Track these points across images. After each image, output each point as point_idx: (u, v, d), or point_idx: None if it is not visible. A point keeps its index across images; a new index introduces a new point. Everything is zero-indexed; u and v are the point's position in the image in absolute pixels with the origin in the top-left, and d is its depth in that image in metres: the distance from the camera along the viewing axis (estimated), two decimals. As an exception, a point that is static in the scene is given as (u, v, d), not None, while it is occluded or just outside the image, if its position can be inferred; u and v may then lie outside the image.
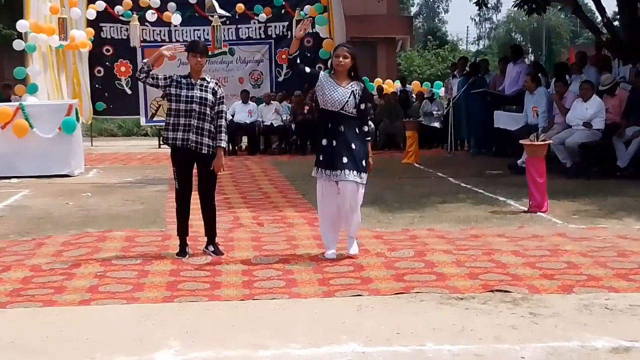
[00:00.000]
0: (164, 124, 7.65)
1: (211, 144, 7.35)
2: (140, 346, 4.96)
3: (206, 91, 7.34)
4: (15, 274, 6.79)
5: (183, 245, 7.49)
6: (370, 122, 7.79)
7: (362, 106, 7.19)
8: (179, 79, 7.36)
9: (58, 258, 7.35)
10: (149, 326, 5.39)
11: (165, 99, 7.50)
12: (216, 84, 7.49)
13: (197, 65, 7.38)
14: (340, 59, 7.11)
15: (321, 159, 7.16)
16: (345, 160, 7.02)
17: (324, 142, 7.13)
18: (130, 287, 6.34)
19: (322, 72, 7.32)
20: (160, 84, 7.34)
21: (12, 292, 6.24)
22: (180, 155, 7.37)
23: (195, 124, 7.26)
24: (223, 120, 7.45)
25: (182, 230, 7.54)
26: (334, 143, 7.06)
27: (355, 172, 7.05)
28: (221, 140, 7.41)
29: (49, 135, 13.95)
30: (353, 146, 7.06)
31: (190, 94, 7.27)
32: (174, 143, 7.33)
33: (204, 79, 7.40)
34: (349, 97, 7.06)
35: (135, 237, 8.34)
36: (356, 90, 7.11)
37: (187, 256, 7.36)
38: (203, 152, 7.33)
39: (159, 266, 7.00)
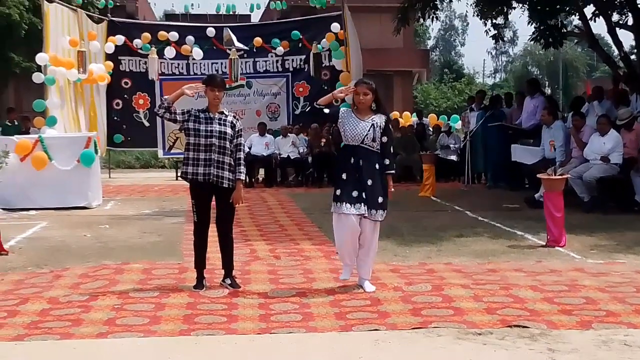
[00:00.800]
0: (182, 157, 7.64)
1: (231, 177, 7.37)
2: (157, 380, 4.96)
3: (225, 125, 7.37)
4: (33, 306, 6.81)
5: (200, 278, 7.48)
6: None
7: (384, 139, 7.20)
8: (197, 113, 7.40)
9: (75, 290, 7.36)
10: (167, 359, 5.38)
11: (184, 133, 7.53)
12: (234, 117, 7.52)
13: (215, 99, 7.42)
14: (361, 96, 7.15)
15: (338, 193, 7.15)
16: (364, 195, 7.04)
17: (344, 176, 7.14)
18: (147, 320, 6.34)
19: (342, 108, 7.36)
20: (178, 119, 7.37)
21: (30, 325, 6.26)
22: (201, 189, 7.40)
23: (215, 158, 7.29)
24: (242, 152, 7.47)
25: (200, 263, 7.54)
26: (356, 176, 7.08)
27: (370, 209, 7.07)
28: (240, 172, 7.43)
29: (67, 168, 14.03)
30: (369, 182, 7.07)
31: (209, 129, 7.30)
32: (194, 178, 7.35)
33: (222, 113, 7.43)
34: (369, 130, 7.08)
35: (153, 269, 8.35)
36: (377, 122, 7.14)
37: (204, 289, 7.35)
38: (224, 185, 7.34)
39: (175, 299, 7.00)
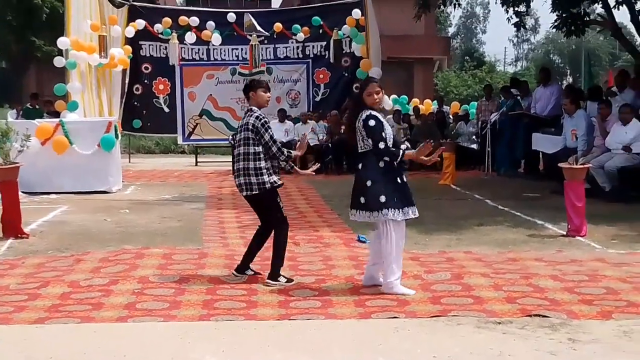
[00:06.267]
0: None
1: (258, 180, 7.11)
2: (177, 364, 4.98)
3: (247, 130, 7.11)
4: (54, 289, 6.86)
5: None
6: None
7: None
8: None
9: (96, 274, 7.40)
10: (186, 344, 5.41)
11: None
12: (256, 117, 7.11)
13: (267, 101, 7.29)
14: (375, 96, 6.71)
15: (400, 198, 6.83)
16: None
17: (399, 179, 6.80)
18: (167, 305, 6.37)
19: (368, 111, 6.77)
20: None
21: (51, 308, 6.31)
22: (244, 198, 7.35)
23: (241, 166, 7.16)
24: (274, 147, 7.13)
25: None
26: (405, 180, 6.83)
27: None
28: (286, 160, 7.31)
29: (87, 152, 14.09)
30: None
31: (238, 137, 7.18)
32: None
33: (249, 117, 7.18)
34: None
35: (172, 254, 8.36)
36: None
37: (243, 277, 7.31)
38: (254, 192, 7.16)
39: (195, 284, 7.02)
